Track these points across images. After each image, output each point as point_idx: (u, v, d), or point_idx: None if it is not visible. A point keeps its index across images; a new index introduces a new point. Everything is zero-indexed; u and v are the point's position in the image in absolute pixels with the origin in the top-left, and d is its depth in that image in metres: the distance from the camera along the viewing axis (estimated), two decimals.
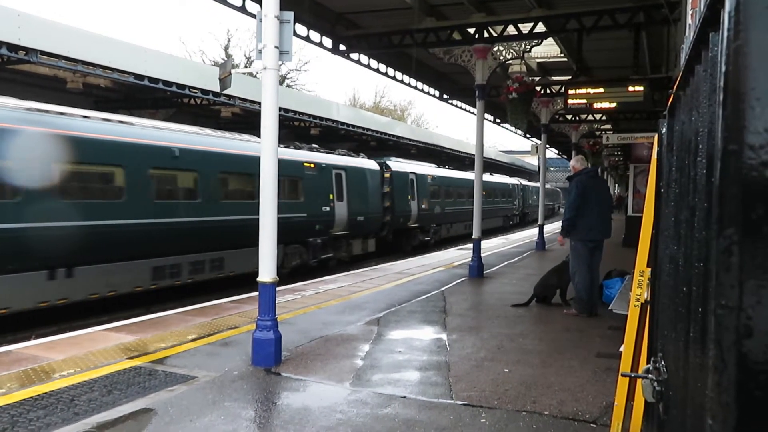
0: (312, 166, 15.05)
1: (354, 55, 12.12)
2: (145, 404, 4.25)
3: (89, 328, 6.99)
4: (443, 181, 23.91)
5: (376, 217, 18.12)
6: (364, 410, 4.20)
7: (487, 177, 27.92)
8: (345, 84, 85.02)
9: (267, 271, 5.22)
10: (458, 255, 15.34)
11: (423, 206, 21.19)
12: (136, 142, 10.20)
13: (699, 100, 1.25)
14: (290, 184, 14.11)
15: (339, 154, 17.09)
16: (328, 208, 15.40)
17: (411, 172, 20.91)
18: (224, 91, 10.46)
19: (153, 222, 10.30)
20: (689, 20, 3.78)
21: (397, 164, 20.38)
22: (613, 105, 11.00)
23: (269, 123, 5.19)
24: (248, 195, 12.18)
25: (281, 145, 9.72)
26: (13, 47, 10.81)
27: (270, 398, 4.53)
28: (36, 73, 14.74)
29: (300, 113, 19.62)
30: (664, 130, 2.09)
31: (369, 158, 18.73)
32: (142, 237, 10.07)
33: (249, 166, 11.24)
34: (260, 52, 5.09)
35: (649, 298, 2.53)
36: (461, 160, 37.20)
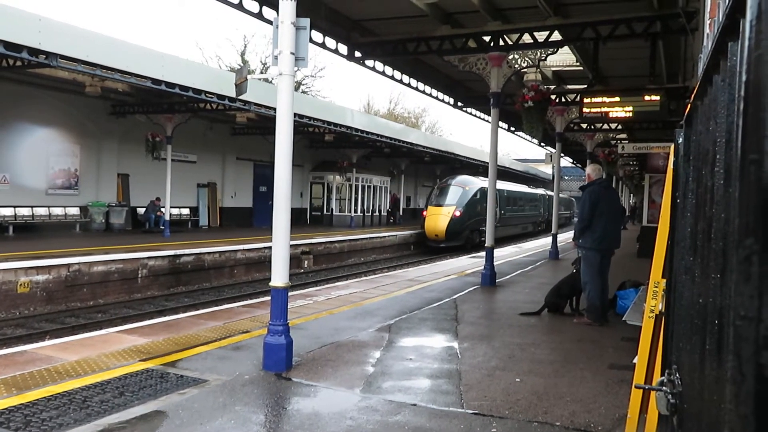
0: (537, 195, 39.74)
1: (369, 62, 12.16)
2: (156, 407, 4.27)
3: (103, 330, 7.05)
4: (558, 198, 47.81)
5: (547, 216, 39.24)
6: (374, 417, 4.19)
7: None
8: (359, 90, 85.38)
9: (279, 276, 5.23)
10: (471, 263, 15.28)
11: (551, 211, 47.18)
12: (521, 191, 36.94)
13: (717, 109, 1.24)
14: (532, 203, 37.86)
15: (536, 188, 42.61)
16: (540, 211, 39.49)
17: (551, 195, 45.28)
18: (240, 97, 10.63)
19: (514, 213, 33.65)
20: (707, 30, 3.76)
21: (549, 192, 41.92)
22: (629, 114, 10.95)
23: (284, 128, 5.22)
24: (527, 206, 36.52)
25: (530, 186, 43.97)
26: (34, 51, 10.96)
27: (280, 403, 4.53)
28: (55, 76, 14.96)
29: (314, 119, 19.69)
30: (680, 140, 2.07)
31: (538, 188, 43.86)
32: (517, 219, 34.22)
33: (529, 196, 37.53)
34: (276, 58, 5.12)
35: (663, 310, 2.51)
36: (475, 168, 37.16)
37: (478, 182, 27.44)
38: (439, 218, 25.63)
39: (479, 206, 25.63)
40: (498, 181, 31.90)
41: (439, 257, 22.96)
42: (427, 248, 26.06)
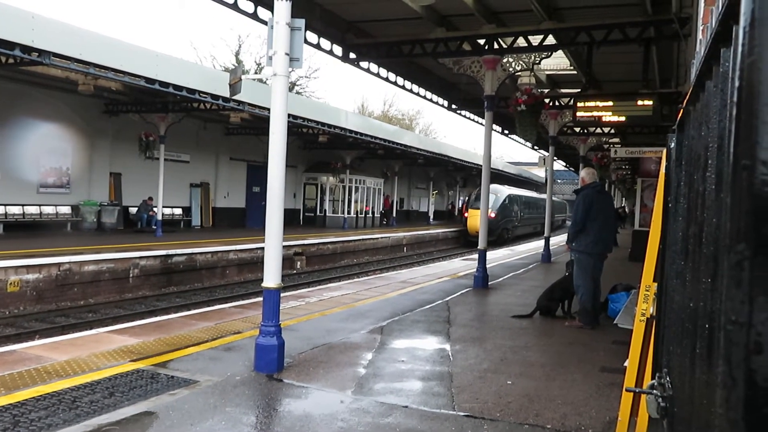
0: (556, 200, 37.25)
1: (363, 64, 12.16)
2: (146, 407, 4.24)
3: (93, 330, 7.01)
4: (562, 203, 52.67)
5: (560, 218, 46.69)
6: (365, 419, 4.19)
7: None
8: (354, 92, 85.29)
9: (272, 277, 5.21)
10: (463, 265, 15.31)
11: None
12: (534, 196, 42.68)
13: (709, 115, 1.24)
14: (541, 206, 34.86)
15: (557, 195, 43.29)
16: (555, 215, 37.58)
17: (566, 201, 50.97)
18: (234, 97, 10.61)
19: (529, 215, 39.62)
20: (700, 36, 3.78)
21: (560, 197, 50.70)
22: (622, 119, 10.95)
23: (278, 129, 5.21)
24: (538, 210, 39.35)
25: (538, 191, 49.87)
26: (27, 49, 10.89)
27: (271, 404, 4.52)
28: (48, 74, 14.87)
29: (309, 120, 19.66)
30: (672, 145, 2.09)
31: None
32: (531, 220, 40.48)
33: (539, 201, 40.95)
34: (271, 58, 5.11)
35: (654, 313, 2.52)
36: (468, 171, 37.23)
37: (505, 190, 35.10)
38: (479, 219, 32.27)
39: (507, 209, 33.99)
40: (516, 189, 40.28)
41: (436, 258, 23.04)
42: (468, 242, 31.88)
